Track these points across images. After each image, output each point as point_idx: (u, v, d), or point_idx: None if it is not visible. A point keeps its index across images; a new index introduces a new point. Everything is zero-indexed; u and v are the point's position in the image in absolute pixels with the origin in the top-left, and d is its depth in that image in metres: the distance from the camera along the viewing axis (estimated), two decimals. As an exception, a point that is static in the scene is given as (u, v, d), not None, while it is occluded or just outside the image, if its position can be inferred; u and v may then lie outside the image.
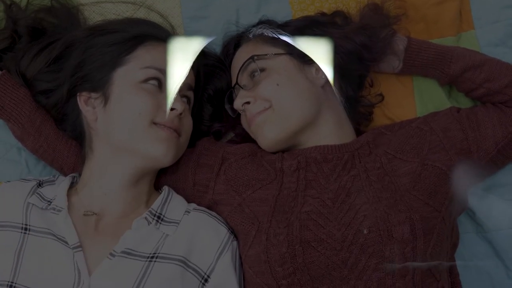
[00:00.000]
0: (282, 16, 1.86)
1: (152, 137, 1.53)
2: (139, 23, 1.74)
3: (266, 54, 1.64)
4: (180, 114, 1.57)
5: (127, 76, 1.59)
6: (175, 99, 1.57)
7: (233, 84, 1.70)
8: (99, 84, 1.61)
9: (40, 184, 1.61)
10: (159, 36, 1.67)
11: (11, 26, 1.79)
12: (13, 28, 1.78)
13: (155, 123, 1.54)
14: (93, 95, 1.62)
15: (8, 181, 1.66)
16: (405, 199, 1.47)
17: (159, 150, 1.53)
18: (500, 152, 1.63)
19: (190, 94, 1.66)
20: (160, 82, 1.59)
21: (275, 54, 1.64)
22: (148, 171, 1.59)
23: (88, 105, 1.62)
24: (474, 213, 1.77)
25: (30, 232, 1.50)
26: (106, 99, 1.58)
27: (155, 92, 1.57)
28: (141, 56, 1.61)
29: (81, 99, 1.62)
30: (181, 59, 1.65)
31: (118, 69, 1.60)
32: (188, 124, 1.63)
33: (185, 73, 1.63)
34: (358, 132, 1.72)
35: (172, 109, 1.55)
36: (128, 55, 1.61)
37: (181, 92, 1.61)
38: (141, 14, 1.87)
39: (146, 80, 1.57)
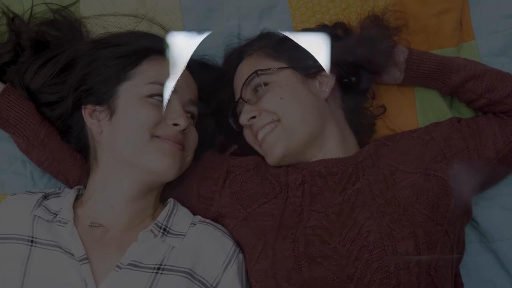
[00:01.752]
0: (283, 28, 1.86)
1: (155, 150, 1.54)
2: (142, 36, 1.76)
3: (270, 69, 1.65)
4: (184, 129, 1.58)
5: (132, 90, 1.60)
6: (179, 115, 1.57)
7: (236, 98, 1.71)
8: (104, 98, 1.61)
9: (45, 197, 1.61)
10: (162, 50, 1.68)
11: (14, 39, 1.81)
12: (16, 41, 1.80)
13: (157, 136, 1.55)
14: (98, 108, 1.62)
15: (14, 194, 1.67)
16: (408, 213, 1.49)
17: (163, 164, 1.54)
18: (502, 161, 1.65)
19: (194, 109, 1.67)
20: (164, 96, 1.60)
21: (278, 68, 1.65)
22: (154, 185, 1.59)
23: (93, 118, 1.63)
24: (478, 223, 1.79)
25: (37, 245, 1.50)
26: (111, 113, 1.59)
27: (159, 106, 1.58)
28: (146, 71, 1.62)
29: (86, 112, 1.63)
30: (184, 74, 1.66)
31: (123, 83, 1.61)
32: (193, 139, 1.64)
33: (189, 88, 1.65)
34: (361, 144, 1.73)
35: (175, 124, 1.56)
36: (133, 70, 1.62)
37: (185, 108, 1.62)
38: (143, 27, 1.89)
39: (151, 96, 1.58)
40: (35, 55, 1.77)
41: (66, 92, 1.68)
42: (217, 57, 1.87)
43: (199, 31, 1.90)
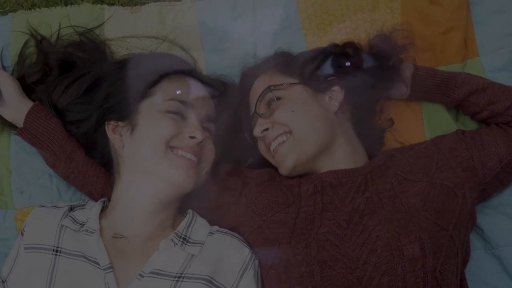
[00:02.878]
0: (297, 48, 1.94)
1: (169, 163, 1.60)
2: (163, 56, 1.84)
3: (282, 84, 1.72)
4: (200, 142, 1.64)
5: (152, 106, 1.66)
6: (196, 128, 1.64)
7: (251, 113, 1.77)
8: (126, 114, 1.68)
9: (71, 209, 1.67)
10: (182, 69, 1.75)
11: (42, 60, 1.90)
12: (44, 62, 1.89)
13: (172, 147, 1.61)
14: (120, 123, 1.69)
15: (41, 206, 1.72)
16: (415, 220, 1.53)
17: (177, 176, 1.60)
18: (505, 169, 1.70)
19: (210, 125, 1.73)
20: (183, 113, 1.66)
21: (290, 84, 1.72)
22: (173, 198, 1.64)
23: (115, 133, 1.70)
24: (483, 231, 1.83)
25: (61, 254, 1.55)
26: (133, 127, 1.66)
27: (177, 120, 1.64)
28: (166, 89, 1.68)
29: (109, 128, 1.70)
30: (202, 92, 1.73)
31: (144, 100, 1.67)
32: (209, 152, 1.69)
33: (206, 105, 1.72)
34: (371, 156, 1.77)
35: (192, 137, 1.63)
36: (154, 87, 1.69)
37: (202, 123, 1.68)
38: (164, 47, 1.97)
39: (170, 111, 1.64)
40: (62, 75, 1.85)
41: (91, 111, 1.75)
42: (234, 75, 1.93)
43: (217, 51, 2.00)
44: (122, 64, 1.78)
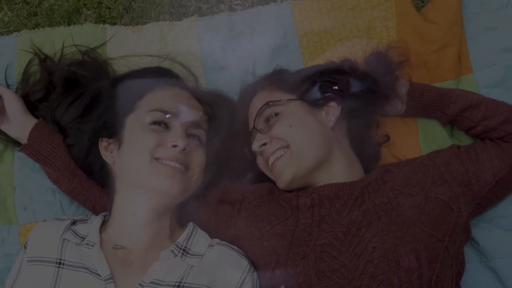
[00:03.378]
0: (294, 66, 1.99)
1: (155, 172, 1.61)
2: (150, 71, 1.87)
3: (280, 100, 1.75)
4: (184, 149, 1.65)
5: (136, 119, 1.70)
6: (178, 136, 1.65)
7: (250, 128, 1.81)
8: (115, 130, 1.72)
9: (74, 223, 1.70)
10: (166, 81, 1.79)
11: (46, 78, 1.94)
12: (48, 80, 1.93)
13: (156, 158, 1.62)
14: (111, 140, 1.74)
15: (45, 220, 1.75)
16: (411, 231, 1.56)
17: (164, 184, 1.61)
18: (499, 184, 1.72)
19: (199, 132, 1.73)
20: (166, 123, 1.68)
21: (288, 99, 1.76)
22: (165, 207, 1.66)
23: (107, 151, 1.74)
24: (478, 243, 1.85)
25: (64, 266, 1.57)
26: (120, 143, 1.70)
27: (161, 131, 1.66)
28: (149, 101, 1.72)
29: (102, 146, 1.75)
30: (186, 100, 1.75)
31: (130, 115, 1.71)
32: (197, 159, 1.70)
33: (190, 112, 1.72)
34: (367, 170, 1.80)
35: (174, 145, 1.64)
36: (139, 101, 1.73)
37: (188, 130, 1.70)
38: (165, 66, 1.98)
39: (153, 122, 1.67)
40: (65, 93, 1.89)
41: (87, 129, 1.80)
42: (234, 92, 1.96)
43: (217, 69, 2.04)
44: (115, 82, 1.82)
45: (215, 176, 1.78)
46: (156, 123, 1.68)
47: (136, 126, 1.69)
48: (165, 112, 1.68)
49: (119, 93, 1.77)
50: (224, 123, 1.81)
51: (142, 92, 1.75)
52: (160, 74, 1.86)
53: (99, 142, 1.76)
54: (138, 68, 1.95)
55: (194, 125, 1.72)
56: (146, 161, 1.62)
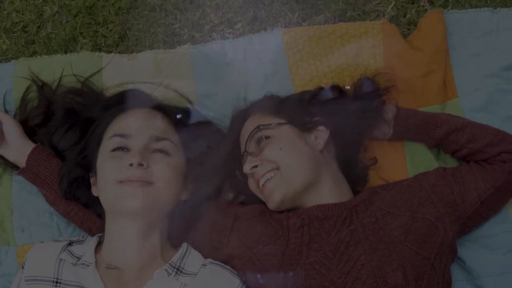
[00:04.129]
0: (285, 91, 2.02)
1: (119, 195, 1.64)
2: (119, 97, 1.91)
3: (270, 124, 1.79)
4: (141, 165, 1.66)
5: (102, 149, 1.75)
6: (131, 155, 1.68)
7: (242, 152, 1.84)
8: (93, 164, 1.79)
9: (70, 243, 1.73)
10: (130, 105, 1.83)
11: (43, 104, 1.98)
12: (45, 106, 1.97)
13: (121, 182, 1.65)
14: (92, 174, 1.80)
15: (42, 242, 1.78)
16: (398, 249, 1.60)
17: (128, 206, 1.64)
18: (484, 204, 1.77)
19: (163, 144, 1.75)
20: (126, 146, 1.72)
21: (278, 123, 1.80)
22: (147, 225, 1.68)
23: (94, 185, 1.79)
24: (464, 262, 1.88)
25: (61, 285, 1.61)
26: (96, 175, 1.76)
27: (122, 155, 1.70)
28: (111, 128, 1.78)
29: (92, 181, 1.81)
30: (142, 117, 1.79)
31: (100, 147, 1.77)
32: (160, 171, 1.70)
33: (149, 128, 1.76)
34: (356, 192, 1.84)
35: (130, 164, 1.66)
36: (105, 131, 1.79)
37: (149, 146, 1.72)
38: (159, 92, 2.04)
39: (114, 149, 1.72)
40: (63, 119, 1.93)
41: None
42: (226, 117, 2.01)
43: (209, 95, 2.08)
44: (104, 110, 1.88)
45: (205, 185, 1.82)
46: (117, 149, 1.72)
47: (102, 156, 1.75)
48: (121, 136, 1.73)
49: (95, 124, 1.84)
50: (195, 132, 1.85)
51: (109, 120, 1.80)
52: (129, 97, 1.89)
53: (90, 178, 1.82)
54: (107, 97, 1.98)
55: (154, 139, 1.74)
56: (113, 188, 1.66)
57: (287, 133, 1.79)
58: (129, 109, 1.82)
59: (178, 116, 1.91)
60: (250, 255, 1.71)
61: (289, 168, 1.74)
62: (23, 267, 1.69)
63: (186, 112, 1.97)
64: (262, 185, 1.77)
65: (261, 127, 1.80)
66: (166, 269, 1.65)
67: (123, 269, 1.67)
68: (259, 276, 1.67)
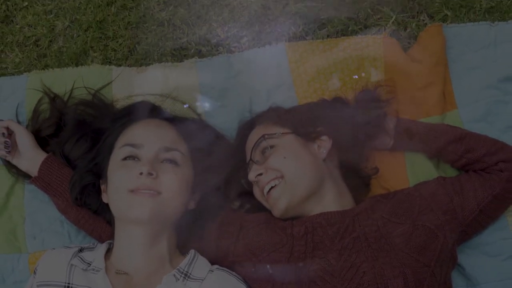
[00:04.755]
0: (289, 103, 2.07)
1: (128, 204, 1.68)
2: (131, 109, 1.95)
3: (275, 133, 1.84)
4: (150, 174, 1.69)
5: (113, 158, 1.79)
6: (141, 164, 1.72)
7: (247, 160, 1.89)
8: (104, 172, 1.83)
9: (81, 250, 1.77)
10: (141, 116, 1.88)
11: (55, 115, 2.03)
12: (57, 117, 2.02)
13: (132, 191, 1.68)
14: (103, 181, 1.85)
15: (53, 248, 1.83)
16: (399, 257, 1.64)
17: (136, 214, 1.67)
18: (483, 212, 1.81)
19: (172, 154, 1.78)
20: (136, 155, 1.76)
21: (282, 133, 1.84)
22: (154, 232, 1.72)
23: (104, 192, 1.84)
24: (464, 269, 1.91)
25: None
26: (106, 182, 1.80)
27: (133, 164, 1.74)
28: (122, 138, 1.82)
29: (102, 188, 1.85)
30: (153, 127, 1.83)
31: (111, 155, 1.81)
32: (168, 181, 1.73)
33: (159, 138, 1.79)
34: (358, 201, 1.87)
35: (140, 173, 1.69)
36: (116, 141, 1.83)
37: (159, 156, 1.76)
38: (167, 104, 2.08)
39: (125, 158, 1.76)
40: (74, 129, 1.98)
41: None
42: (232, 129, 2.05)
43: (216, 106, 2.12)
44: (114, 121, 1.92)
45: (212, 195, 1.86)
46: (128, 157, 1.76)
47: (113, 164, 1.78)
48: (132, 145, 1.77)
49: (106, 133, 1.88)
50: (202, 143, 1.88)
51: (120, 130, 1.84)
52: (140, 109, 1.93)
53: (101, 185, 1.86)
54: (120, 108, 2.03)
55: (163, 150, 1.78)
56: (123, 196, 1.69)
57: (291, 142, 1.84)
58: (140, 120, 1.87)
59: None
60: (255, 262, 1.75)
61: (293, 176, 1.78)
62: (35, 273, 1.74)
63: (195, 123, 2.01)
64: (267, 193, 1.81)
65: (266, 136, 1.84)
66: (174, 275, 1.69)
67: (132, 275, 1.71)
68: (264, 282, 1.72)
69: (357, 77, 2.06)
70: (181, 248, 1.84)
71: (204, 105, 2.14)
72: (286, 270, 1.70)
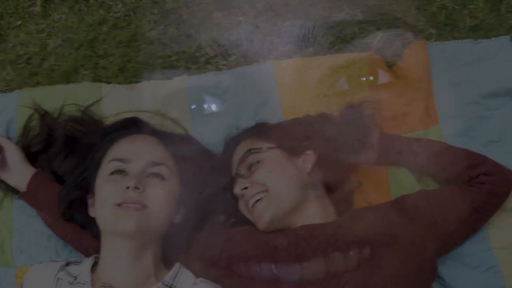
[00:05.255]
0: (275, 119, 2.10)
1: (115, 218, 1.69)
2: (120, 124, 1.98)
3: (261, 148, 1.87)
4: (137, 188, 1.71)
5: (100, 173, 1.81)
6: (128, 178, 1.74)
7: (233, 174, 1.91)
8: (91, 186, 1.85)
9: (67, 264, 1.79)
10: (130, 131, 1.91)
11: (45, 131, 2.05)
12: (47, 133, 2.04)
13: (119, 204, 1.69)
14: (90, 195, 1.86)
15: (40, 263, 1.85)
16: (381, 265, 1.67)
17: (121, 227, 1.68)
18: (463, 224, 1.84)
19: (159, 169, 1.80)
20: (124, 170, 1.77)
21: (268, 148, 1.87)
22: (140, 245, 1.73)
23: (92, 206, 1.85)
24: (445, 280, 1.93)
25: None
26: (94, 197, 1.82)
27: (119, 179, 1.75)
28: (110, 152, 1.83)
29: (89, 203, 1.86)
30: (141, 142, 1.86)
31: (99, 170, 1.83)
32: (154, 195, 1.74)
33: (147, 153, 1.81)
34: (341, 214, 1.88)
35: (127, 187, 1.71)
36: (104, 156, 1.85)
37: (146, 170, 1.77)
38: (156, 121, 2.09)
39: (112, 172, 1.77)
40: (63, 145, 2.01)
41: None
42: (219, 144, 2.07)
43: (203, 123, 2.16)
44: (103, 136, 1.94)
45: (197, 209, 1.88)
46: (115, 172, 1.78)
47: (100, 179, 1.80)
48: (120, 160, 1.78)
49: (94, 148, 1.90)
50: (189, 158, 1.90)
51: (108, 145, 1.86)
52: (128, 125, 1.97)
53: (88, 200, 1.87)
54: (109, 124, 2.05)
55: (150, 164, 1.79)
56: (110, 210, 1.70)
57: (276, 157, 1.86)
58: (128, 136, 1.89)
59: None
60: (239, 274, 1.78)
61: (277, 190, 1.80)
62: (21, 287, 1.76)
63: (182, 138, 2.03)
64: (252, 206, 1.83)
65: (252, 150, 1.87)
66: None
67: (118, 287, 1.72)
68: None
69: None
70: (166, 261, 1.85)
71: (192, 121, 2.17)
72: (270, 281, 1.72)
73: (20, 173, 2.01)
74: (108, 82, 2.28)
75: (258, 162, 1.86)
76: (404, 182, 2.02)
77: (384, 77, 2.10)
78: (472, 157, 1.90)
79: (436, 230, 1.80)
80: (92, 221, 1.85)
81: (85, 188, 1.90)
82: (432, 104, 2.12)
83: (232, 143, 2.02)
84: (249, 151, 1.87)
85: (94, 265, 1.80)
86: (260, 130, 1.99)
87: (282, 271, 1.72)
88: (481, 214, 1.88)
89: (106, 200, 1.73)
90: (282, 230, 1.83)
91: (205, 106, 2.19)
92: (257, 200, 1.82)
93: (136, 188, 1.71)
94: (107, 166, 1.80)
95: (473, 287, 1.92)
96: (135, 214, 1.69)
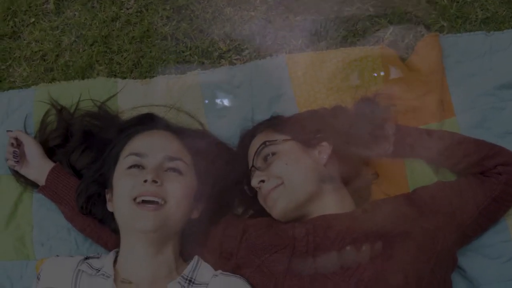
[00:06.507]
0: (290, 112, 2.10)
1: (133, 214, 1.71)
2: (137, 120, 2.01)
3: (276, 140, 1.88)
4: (155, 182, 1.72)
5: (118, 167, 1.83)
6: (146, 172, 1.75)
7: (249, 167, 1.93)
8: (109, 181, 1.86)
9: (86, 258, 1.81)
10: (146, 127, 1.93)
11: (62, 126, 2.08)
12: (64, 128, 2.07)
13: (135, 198, 1.71)
14: (108, 190, 1.88)
15: (57, 255, 1.88)
16: (399, 254, 1.67)
17: (141, 225, 1.70)
18: (482, 215, 1.84)
19: (177, 163, 1.81)
20: (141, 164, 1.79)
21: (283, 140, 1.88)
22: (159, 240, 1.75)
23: (110, 201, 1.87)
24: (465, 271, 1.93)
25: None
26: (112, 191, 1.84)
27: (137, 172, 1.77)
28: (127, 147, 1.85)
29: (107, 197, 1.88)
30: (158, 137, 1.87)
31: (116, 165, 1.85)
32: (173, 189, 1.76)
33: (163, 147, 1.83)
34: (359, 206, 1.89)
35: (145, 181, 1.72)
36: (121, 151, 1.86)
37: (164, 165, 1.79)
38: (171, 115, 2.12)
39: (130, 166, 1.79)
40: (80, 140, 2.03)
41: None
42: (234, 138, 2.09)
43: (218, 117, 2.17)
44: (119, 132, 1.96)
45: (215, 203, 1.90)
46: (133, 166, 1.79)
47: (118, 173, 1.82)
48: (137, 155, 1.80)
49: (112, 143, 1.92)
50: (206, 152, 1.92)
51: (125, 141, 1.88)
52: (145, 120, 1.99)
53: (106, 194, 1.89)
54: (125, 119, 2.08)
55: (167, 159, 1.81)
56: (127, 205, 1.72)
57: (292, 149, 1.88)
58: (145, 131, 1.91)
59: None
60: (258, 263, 1.79)
61: (293, 181, 1.82)
62: (38, 278, 1.77)
63: (198, 133, 2.05)
64: (267, 195, 1.84)
65: (267, 143, 1.88)
66: (179, 282, 1.72)
67: (137, 283, 1.73)
68: (266, 281, 1.75)
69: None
70: (185, 255, 1.87)
71: (207, 115, 2.19)
72: (288, 269, 1.73)
73: (38, 167, 2.02)
74: (123, 77, 2.30)
75: (273, 154, 1.87)
76: (421, 173, 2.02)
77: (396, 71, 2.11)
78: (489, 148, 1.91)
79: (455, 221, 1.81)
80: (111, 216, 1.87)
81: (103, 183, 1.92)
82: (447, 96, 2.12)
83: (247, 136, 2.04)
84: (264, 143, 1.89)
85: (114, 259, 1.82)
86: (275, 123, 2.00)
87: (296, 264, 1.74)
88: (500, 204, 1.88)
89: (123, 193, 1.75)
90: (300, 219, 1.85)
91: (219, 100, 2.21)
92: (271, 188, 1.83)
93: (154, 181, 1.73)
94: (124, 161, 1.82)
95: (493, 278, 1.93)
96: (153, 212, 1.71)
